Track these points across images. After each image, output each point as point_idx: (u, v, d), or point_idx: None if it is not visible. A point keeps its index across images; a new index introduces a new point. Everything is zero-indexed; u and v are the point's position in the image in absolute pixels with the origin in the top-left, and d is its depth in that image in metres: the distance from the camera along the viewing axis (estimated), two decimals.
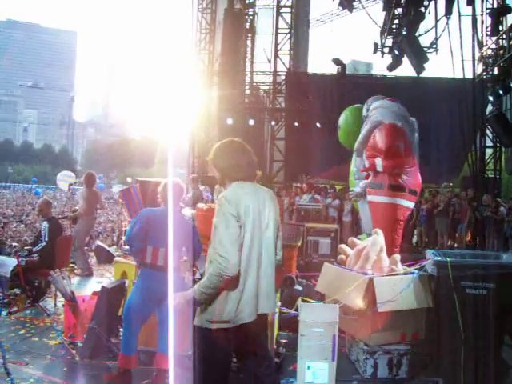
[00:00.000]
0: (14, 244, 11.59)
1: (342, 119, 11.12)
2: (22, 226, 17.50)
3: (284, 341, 5.89)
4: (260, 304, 3.32)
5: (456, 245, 14.34)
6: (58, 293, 7.09)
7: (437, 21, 15.61)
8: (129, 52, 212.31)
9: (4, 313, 6.83)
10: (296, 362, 4.72)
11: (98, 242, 11.81)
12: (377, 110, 8.48)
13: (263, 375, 3.44)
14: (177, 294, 3.50)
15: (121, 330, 5.53)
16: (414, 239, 15.53)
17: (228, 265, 3.17)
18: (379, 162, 7.67)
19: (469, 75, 16.71)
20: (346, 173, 11.50)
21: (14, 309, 7.12)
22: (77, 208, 10.82)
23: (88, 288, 8.37)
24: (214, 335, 3.28)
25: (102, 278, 9.28)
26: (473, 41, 16.75)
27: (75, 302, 5.99)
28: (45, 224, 7.77)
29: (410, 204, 7.92)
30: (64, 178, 14.77)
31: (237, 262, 3.20)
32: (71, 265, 9.40)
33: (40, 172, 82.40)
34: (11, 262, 7.40)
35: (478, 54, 17.23)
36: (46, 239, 7.53)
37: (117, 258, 7.28)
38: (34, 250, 7.56)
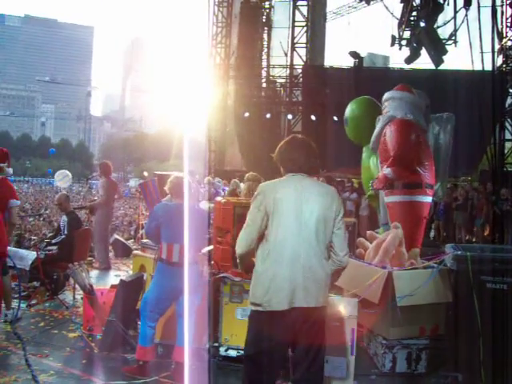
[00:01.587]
0: (32, 237, 11.70)
1: (347, 113, 10.60)
2: (41, 219, 17.65)
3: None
4: (296, 297, 3.36)
5: (474, 239, 14.21)
6: (77, 286, 7.15)
7: (456, 12, 15.40)
8: (145, 46, 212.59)
9: (24, 305, 6.89)
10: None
11: (116, 236, 11.87)
12: (388, 102, 8.28)
13: (303, 370, 3.43)
14: None
15: (139, 323, 5.56)
16: (432, 233, 15.42)
17: (237, 244, 3.51)
18: (388, 171, 7.50)
19: (488, 67, 16.49)
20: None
21: (34, 301, 7.20)
22: (95, 198, 10.86)
23: (106, 281, 8.43)
24: (253, 316, 3.48)
25: (120, 272, 9.34)
26: (492, 32, 16.47)
27: (94, 295, 6.03)
28: (64, 218, 7.82)
29: (428, 198, 7.81)
30: (62, 179, 14.64)
31: (242, 244, 3.47)
32: (89, 258, 9.46)
33: (57, 166, 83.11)
34: (30, 256, 7.48)
35: (497, 46, 16.97)
36: (66, 232, 7.59)
37: (135, 252, 7.31)
38: (53, 241, 7.61)
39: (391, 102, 8.20)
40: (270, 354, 3.41)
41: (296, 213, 3.40)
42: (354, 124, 10.20)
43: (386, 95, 8.42)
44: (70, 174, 14.66)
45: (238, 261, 3.62)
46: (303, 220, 3.40)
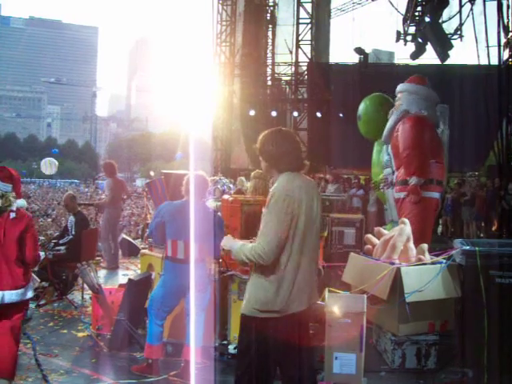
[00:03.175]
0: (40, 238, 11.72)
1: (361, 109, 10.80)
2: (49, 220, 17.72)
3: (311, 332, 5.86)
4: (312, 295, 3.38)
5: (482, 234, 14.16)
6: (85, 285, 7.16)
7: (461, 6, 15.33)
8: (150, 46, 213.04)
9: (33, 306, 6.91)
10: (323, 352, 4.70)
11: (123, 235, 11.89)
12: (402, 94, 8.24)
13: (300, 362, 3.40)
14: (226, 238, 3.48)
15: (147, 321, 5.57)
16: (439, 229, 15.37)
17: (264, 254, 3.14)
18: (414, 180, 7.55)
19: (494, 61, 16.39)
20: (369, 163, 11.38)
21: (43, 302, 7.22)
22: (103, 197, 10.90)
23: (114, 281, 8.46)
24: (262, 324, 3.27)
25: (128, 271, 9.36)
26: (498, 26, 16.37)
27: (102, 295, 6.04)
28: (71, 218, 7.85)
29: (437, 195, 7.82)
30: (48, 165, 14.70)
31: (272, 254, 3.17)
32: (97, 258, 9.48)
33: (64, 167, 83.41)
34: None
35: (503, 40, 16.85)
36: (73, 232, 7.61)
37: (143, 251, 7.32)
38: (61, 242, 7.63)
39: (406, 95, 8.17)
40: (276, 356, 3.36)
41: (309, 213, 3.33)
42: (366, 120, 10.34)
43: (400, 87, 8.38)
44: (55, 161, 14.79)
45: (253, 260, 3.20)
46: (312, 218, 3.35)
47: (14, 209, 4.05)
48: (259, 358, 3.31)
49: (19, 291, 4.03)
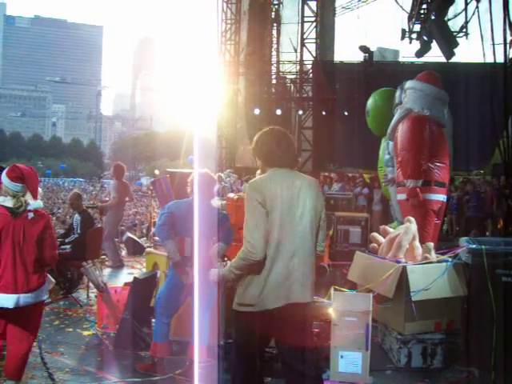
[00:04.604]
0: None
1: (370, 104, 10.76)
2: (54, 219, 17.75)
3: (316, 330, 5.85)
4: (293, 293, 3.31)
5: (488, 233, 14.12)
6: (91, 284, 7.17)
7: (467, 4, 15.26)
8: (154, 45, 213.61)
9: None
10: (329, 351, 4.69)
11: (128, 234, 11.91)
12: (409, 91, 8.22)
13: (298, 367, 3.37)
14: (213, 270, 3.73)
15: (153, 320, 5.57)
16: (444, 227, 15.32)
17: (253, 249, 3.24)
18: (410, 183, 7.56)
19: (500, 59, 16.30)
20: (374, 161, 11.37)
21: (48, 300, 7.22)
22: (107, 199, 10.89)
23: (119, 279, 8.47)
24: (242, 318, 3.36)
25: (133, 270, 9.37)
26: (504, 24, 16.26)
27: (107, 293, 6.04)
28: (76, 216, 7.85)
29: (438, 196, 7.76)
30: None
31: (261, 247, 3.25)
32: (102, 256, 9.48)
33: (69, 166, 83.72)
34: None
35: (509, 38, 16.75)
36: (79, 231, 7.61)
37: (148, 249, 7.33)
38: (66, 240, 7.64)
39: (412, 93, 8.14)
40: (261, 351, 3.44)
41: (291, 209, 3.34)
42: (375, 115, 10.30)
43: (408, 83, 8.36)
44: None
45: (243, 264, 3.30)
46: (298, 215, 3.36)
47: (32, 208, 3.99)
48: (245, 353, 3.38)
49: (34, 294, 4.00)
